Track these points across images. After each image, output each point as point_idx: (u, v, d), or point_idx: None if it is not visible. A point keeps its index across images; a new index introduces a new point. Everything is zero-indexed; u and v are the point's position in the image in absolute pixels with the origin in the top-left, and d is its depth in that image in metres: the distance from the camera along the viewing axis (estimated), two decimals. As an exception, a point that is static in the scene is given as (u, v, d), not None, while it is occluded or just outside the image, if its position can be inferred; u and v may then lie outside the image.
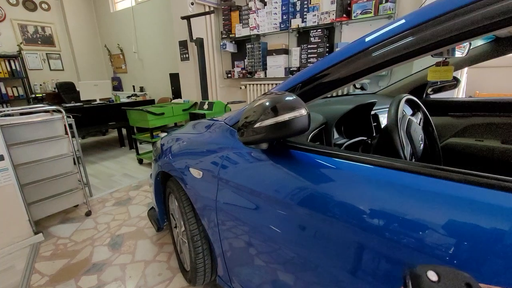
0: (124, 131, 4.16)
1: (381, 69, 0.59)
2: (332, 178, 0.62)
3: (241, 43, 3.46)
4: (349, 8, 2.44)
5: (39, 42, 5.26)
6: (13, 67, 4.67)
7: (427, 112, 0.97)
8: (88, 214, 2.12)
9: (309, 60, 2.83)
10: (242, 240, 0.88)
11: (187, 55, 3.44)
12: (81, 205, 2.24)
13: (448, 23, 0.48)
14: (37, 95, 4.91)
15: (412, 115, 0.94)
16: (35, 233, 1.81)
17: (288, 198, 0.68)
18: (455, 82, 1.69)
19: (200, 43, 3.17)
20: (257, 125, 0.64)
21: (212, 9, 3.36)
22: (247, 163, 0.84)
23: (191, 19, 3.09)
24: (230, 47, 3.46)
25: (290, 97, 0.63)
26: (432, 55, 0.61)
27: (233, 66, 3.64)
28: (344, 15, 2.47)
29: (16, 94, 4.79)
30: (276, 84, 3.09)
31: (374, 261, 0.52)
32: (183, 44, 3.42)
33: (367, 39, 0.62)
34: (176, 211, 1.35)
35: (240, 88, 3.53)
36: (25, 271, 1.51)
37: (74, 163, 2.10)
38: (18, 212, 1.72)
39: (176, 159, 1.22)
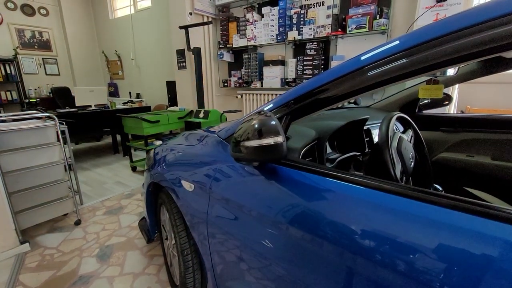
0: (118, 137, 4.13)
1: (375, 88, 0.60)
2: (320, 197, 0.62)
3: (238, 53, 3.50)
4: (344, 23, 2.50)
5: (36, 47, 5.25)
6: (8, 71, 4.64)
7: (417, 130, 0.98)
8: (78, 223, 2.07)
9: (305, 72, 2.86)
10: (232, 255, 0.87)
11: (184, 64, 3.46)
12: (70, 214, 2.19)
13: (441, 47, 0.49)
14: (31, 100, 4.87)
15: (403, 132, 0.95)
16: (21, 243, 1.75)
17: (278, 215, 0.68)
18: (448, 99, 1.72)
19: (197, 52, 3.19)
20: (245, 144, 0.64)
21: (210, 19, 3.40)
22: (239, 177, 0.83)
23: (189, 28, 3.13)
24: (227, 57, 3.49)
25: (273, 122, 0.63)
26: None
27: (229, 76, 3.67)
28: (339, 29, 2.52)
29: (10, 98, 4.74)
30: (273, 94, 3.12)
31: (361, 282, 0.51)
32: (180, 53, 3.44)
33: (362, 58, 0.62)
34: (167, 222, 1.32)
35: (237, 97, 3.55)
36: (8, 284, 1.45)
37: (65, 170, 2.07)
38: (4, 221, 1.67)
39: (168, 170, 1.20)
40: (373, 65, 0.59)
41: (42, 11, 5.25)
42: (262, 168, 0.77)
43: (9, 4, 4.80)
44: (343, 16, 2.51)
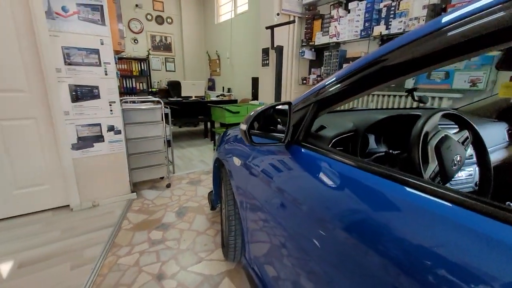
0: (209, 124, 4.84)
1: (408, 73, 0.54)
2: (330, 176, 0.67)
3: (320, 50, 3.50)
4: (443, 13, 2.16)
5: (161, 49, 6.67)
6: (142, 68, 6.10)
7: (479, 133, 0.84)
8: (168, 186, 2.64)
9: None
10: (259, 222, 1.01)
11: (267, 62, 3.73)
12: (165, 178, 2.81)
13: None
14: (153, 90, 6.25)
15: (457, 133, 0.84)
16: (132, 192, 2.40)
17: (296, 193, 0.77)
18: None
19: (279, 50, 3.39)
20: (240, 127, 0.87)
21: (295, 18, 3.53)
22: (268, 156, 0.96)
23: (274, 28, 3.36)
24: (309, 55, 3.55)
25: (251, 113, 0.84)
26: None
27: (309, 73, 3.72)
28: (436, 21, 2.19)
29: (141, 88, 6.23)
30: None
31: (366, 262, 0.52)
32: (265, 51, 3.73)
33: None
34: (224, 194, 1.58)
35: (314, 94, 3.57)
36: (121, 217, 2.05)
37: (164, 144, 2.66)
38: (123, 174, 2.33)
39: (226, 148, 1.44)
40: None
41: (168, 20, 6.61)
42: (287, 149, 0.88)
43: (148, 16, 6.28)
44: (443, 6, 2.17)
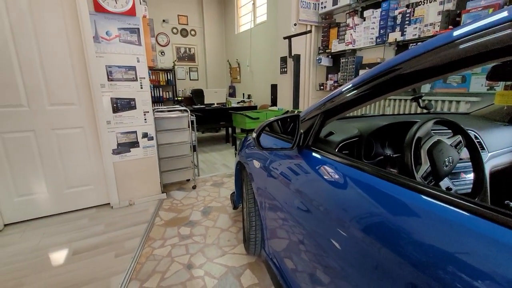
0: (230, 130, 5.07)
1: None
2: (336, 179, 0.80)
3: (336, 57, 3.60)
4: (457, 19, 2.20)
5: (186, 60, 7.08)
6: (168, 78, 6.52)
7: (471, 137, 0.93)
8: (194, 187, 2.87)
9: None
10: (278, 221, 1.16)
11: (285, 69, 3.89)
12: (190, 181, 3.04)
13: None
14: (178, 98, 6.63)
15: (451, 137, 0.94)
16: (162, 192, 2.65)
17: (306, 191, 0.91)
18: None
19: (297, 58, 3.54)
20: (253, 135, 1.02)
21: (312, 28, 3.67)
22: (284, 159, 1.12)
23: (292, 38, 3.52)
24: (326, 62, 3.66)
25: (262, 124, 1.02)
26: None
27: (327, 79, 3.82)
28: (450, 27, 2.23)
29: (166, 96, 6.65)
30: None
31: (365, 261, 0.61)
32: (283, 60, 3.89)
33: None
34: (245, 193, 1.75)
35: (331, 100, 3.66)
36: (153, 214, 2.29)
37: (191, 149, 2.90)
38: (155, 176, 2.59)
39: (247, 152, 1.62)
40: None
41: (192, 32, 7.01)
42: (299, 152, 1.03)
43: (174, 30, 6.72)
44: (457, 12, 2.21)
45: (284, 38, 3.58)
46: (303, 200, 0.92)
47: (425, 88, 2.54)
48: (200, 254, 1.75)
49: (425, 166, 0.86)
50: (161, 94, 6.51)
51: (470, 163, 0.98)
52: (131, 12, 2.15)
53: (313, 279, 0.88)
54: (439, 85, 2.44)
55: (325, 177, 0.84)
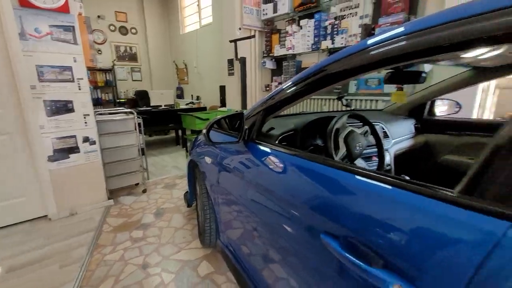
0: (180, 132, 4.99)
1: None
2: (278, 165, 0.96)
3: (279, 60, 3.90)
4: (372, 32, 2.65)
5: (127, 59, 6.66)
6: (107, 78, 6.06)
7: (373, 125, 1.22)
8: (144, 191, 2.79)
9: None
10: (231, 211, 1.29)
11: (233, 71, 4.04)
12: (140, 185, 2.95)
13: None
14: (120, 100, 6.22)
15: (360, 127, 1.21)
16: (108, 199, 2.53)
17: (254, 179, 1.05)
18: (459, 107, 1.81)
19: (243, 61, 3.72)
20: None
21: (255, 33, 3.90)
22: (232, 153, 1.25)
23: (237, 41, 3.68)
24: (270, 65, 3.93)
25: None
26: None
27: (271, 81, 4.10)
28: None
29: (107, 98, 6.16)
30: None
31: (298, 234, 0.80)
32: (230, 62, 4.04)
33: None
34: (198, 190, 1.83)
35: (276, 100, 3.94)
36: (100, 221, 2.18)
37: (139, 152, 2.82)
38: (100, 182, 2.46)
39: (198, 151, 1.70)
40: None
41: (132, 30, 6.63)
42: (245, 145, 1.17)
43: (111, 27, 6.26)
44: (372, 26, 2.67)
45: (230, 41, 3.72)
46: (252, 188, 1.06)
47: (352, 89, 2.97)
48: (155, 253, 1.77)
49: (343, 150, 1.10)
50: (100, 96, 6.01)
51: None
52: (64, 9, 2.02)
53: (266, 259, 1.03)
54: (363, 87, 2.89)
55: (269, 165, 1.00)
